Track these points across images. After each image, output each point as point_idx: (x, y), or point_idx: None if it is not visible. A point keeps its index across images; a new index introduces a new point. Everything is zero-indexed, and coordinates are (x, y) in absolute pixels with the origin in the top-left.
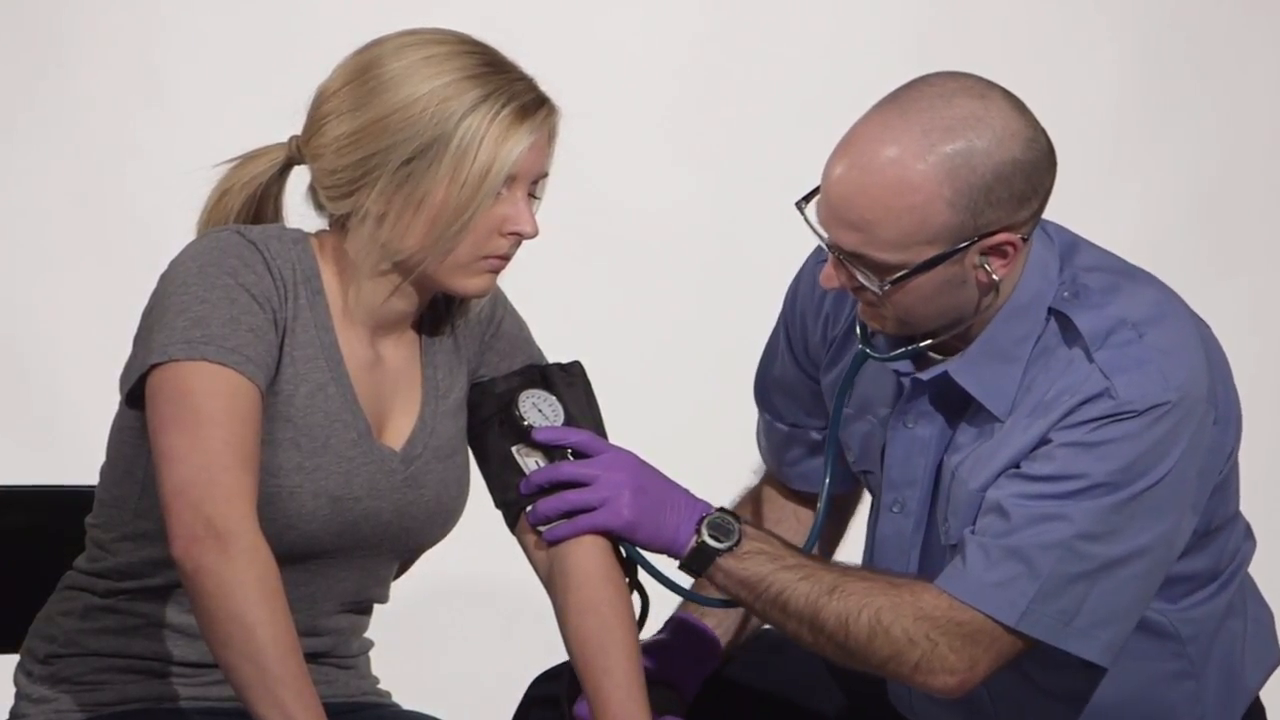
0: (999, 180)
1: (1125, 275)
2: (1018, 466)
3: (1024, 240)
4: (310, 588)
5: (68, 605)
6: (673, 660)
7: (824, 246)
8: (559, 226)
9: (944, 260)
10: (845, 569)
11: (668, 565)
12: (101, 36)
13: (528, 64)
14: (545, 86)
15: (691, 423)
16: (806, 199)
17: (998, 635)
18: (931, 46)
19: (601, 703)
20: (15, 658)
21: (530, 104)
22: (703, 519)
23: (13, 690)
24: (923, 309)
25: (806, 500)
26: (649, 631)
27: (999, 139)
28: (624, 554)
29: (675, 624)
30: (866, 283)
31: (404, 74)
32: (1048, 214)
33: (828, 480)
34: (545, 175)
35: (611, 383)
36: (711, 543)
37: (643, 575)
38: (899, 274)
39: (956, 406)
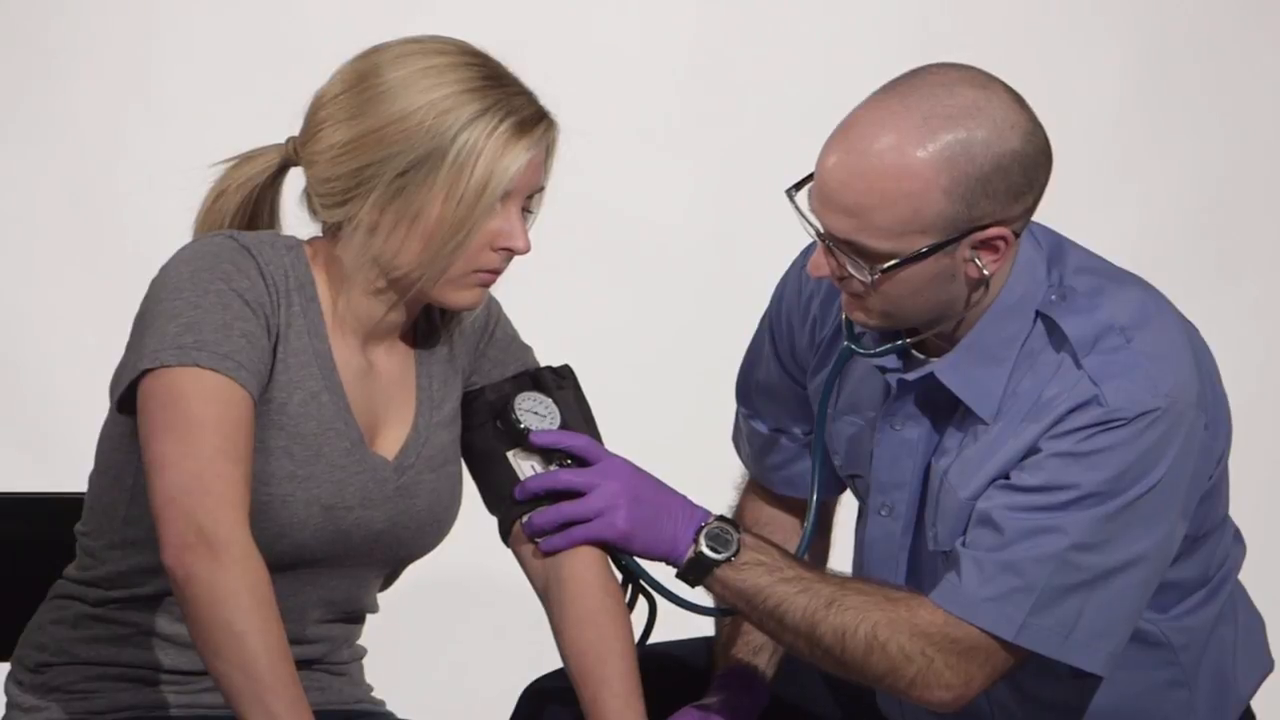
0: (997, 171)
1: (1111, 278)
2: (1007, 476)
3: (1016, 236)
4: (300, 597)
5: (58, 614)
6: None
7: (813, 235)
8: (557, 233)
9: (936, 251)
10: (843, 581)
11: (666, 574)
12: (92, 39)
13: (527, 73)
14: (545, 100)
15: (690, 429)
16: (797, 187)
17: (994, 650)
18: (931, 51)
19: (600, 714)
20: (5, 666)
21: (529, 119)
22: (700, 528)
23: (3, 699)
24: (910, 301)
25: (791, 507)
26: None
27: (999, 130)
28: (622, 564)
29: (721, 680)
30: (855, 271)
31: (402, 84)
32: (1046, 216)
33: (815, 489)
34: (541, 190)
35: (608, 389)
36: (709, 553)
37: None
38: (889, 263)
39: (943, 409)
